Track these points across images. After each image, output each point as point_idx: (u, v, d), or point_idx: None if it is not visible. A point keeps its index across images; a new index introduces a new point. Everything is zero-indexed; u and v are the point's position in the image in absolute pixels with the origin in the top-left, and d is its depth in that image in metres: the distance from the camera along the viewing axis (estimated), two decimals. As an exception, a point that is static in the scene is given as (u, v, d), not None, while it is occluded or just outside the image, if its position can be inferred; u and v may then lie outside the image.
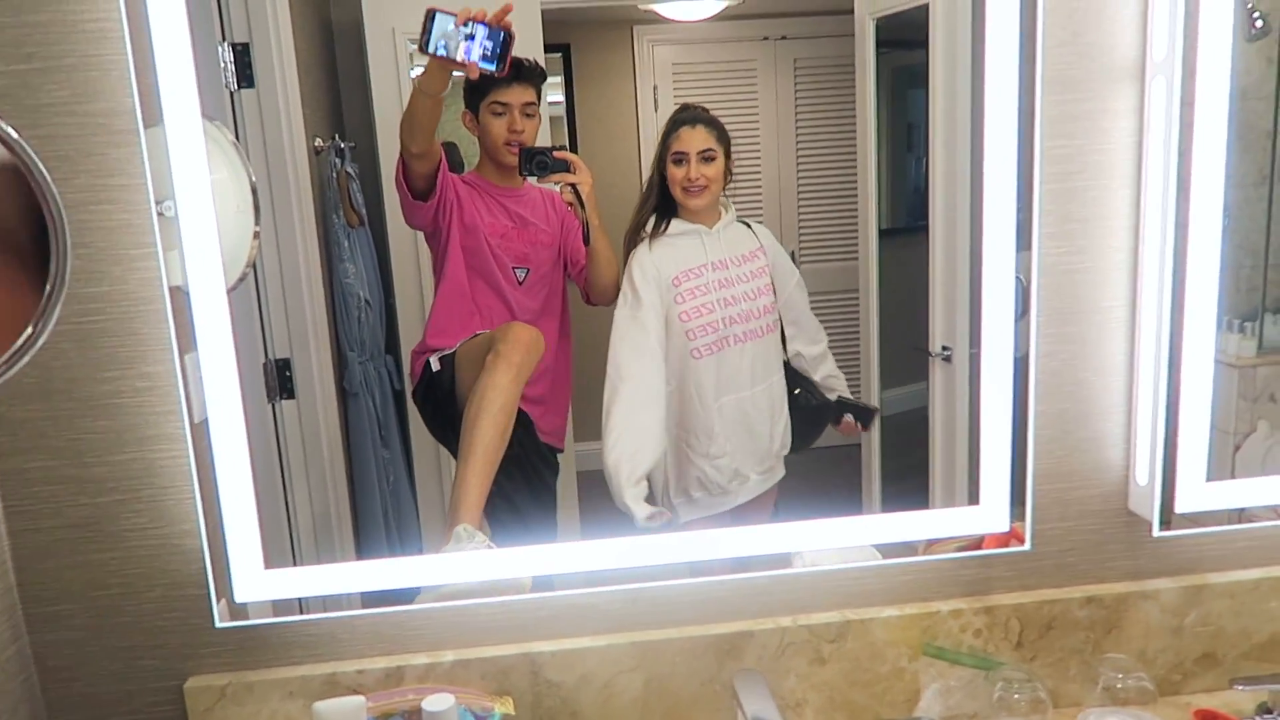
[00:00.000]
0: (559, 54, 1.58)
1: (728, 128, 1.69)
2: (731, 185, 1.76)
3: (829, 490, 1.74)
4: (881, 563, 1.32)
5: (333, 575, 1.23)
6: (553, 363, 1.71)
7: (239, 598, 1.19)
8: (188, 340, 1.14)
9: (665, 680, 1.29)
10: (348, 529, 1.75)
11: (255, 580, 1.19)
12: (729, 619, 1.31)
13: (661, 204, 1.78)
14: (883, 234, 2.37)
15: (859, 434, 1.82)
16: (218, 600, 1.19)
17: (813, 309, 1.85)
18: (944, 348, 2.35)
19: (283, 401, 1.54)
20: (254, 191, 1.26)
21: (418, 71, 1.44)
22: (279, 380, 1.53)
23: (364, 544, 1.94)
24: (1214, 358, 1.24)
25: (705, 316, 1.76)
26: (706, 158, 1.68)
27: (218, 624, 1.20)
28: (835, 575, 1.34)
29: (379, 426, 1.83)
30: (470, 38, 1.33)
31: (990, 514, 1.26)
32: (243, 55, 1.37)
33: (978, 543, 1.35)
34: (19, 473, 1.19)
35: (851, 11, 1.63)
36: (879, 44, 1.74)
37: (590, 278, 1.70)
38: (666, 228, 1.77)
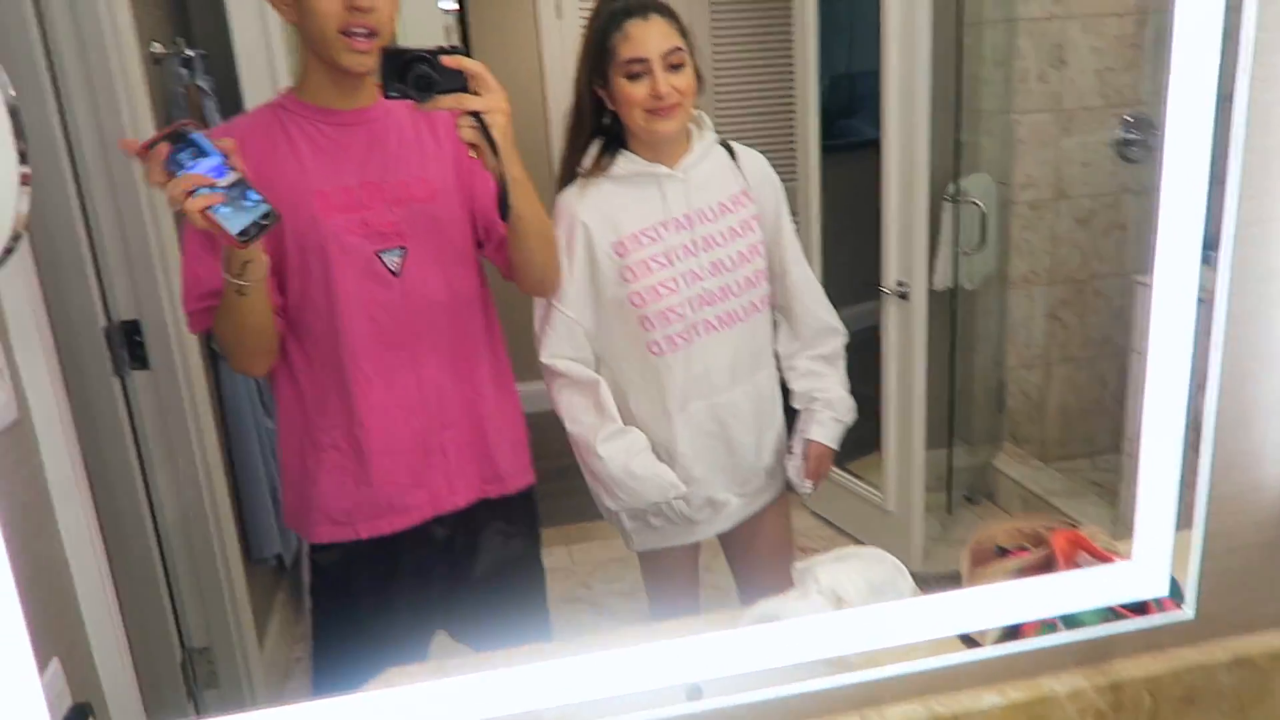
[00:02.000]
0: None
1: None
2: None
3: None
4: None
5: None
6: (483, 398, 1.22)
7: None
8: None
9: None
10: (229, 520, 1.56)
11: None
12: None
13: (602, 131, 1.27)
14: (825, 150, 2.14)
15: (810, 484, 1.42)
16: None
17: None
18: (899, 283, 2.05)
19: (134, 373, 1.33)
20: (12, 113, 0.73)
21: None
22: (127, 347, 1.31)
23: (253, 535, 1.71)
24: None
25: (667, 299, 1.26)
26: (674, 64, 1.17)
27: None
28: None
29: (259, 393, 1.66)
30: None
31: (1147, 571, 0.88)
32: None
33: (1042, 565, 1.01)
34: None
35: None
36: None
37: (516, 259, 1.12)
38: (611, 164, 1.26)
